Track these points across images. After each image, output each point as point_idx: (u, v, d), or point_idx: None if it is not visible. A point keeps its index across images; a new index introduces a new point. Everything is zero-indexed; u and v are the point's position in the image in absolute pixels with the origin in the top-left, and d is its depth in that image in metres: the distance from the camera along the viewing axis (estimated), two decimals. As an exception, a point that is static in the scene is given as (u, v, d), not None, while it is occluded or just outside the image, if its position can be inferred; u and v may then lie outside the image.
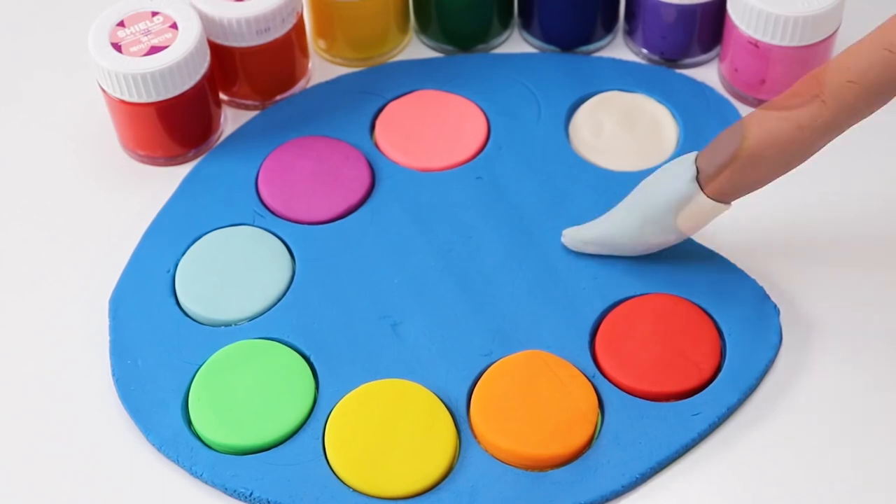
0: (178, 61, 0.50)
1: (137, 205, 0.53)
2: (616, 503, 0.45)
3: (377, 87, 0.56)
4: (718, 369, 0.47)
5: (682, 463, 0.45)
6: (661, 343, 0.47)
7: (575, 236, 0.50)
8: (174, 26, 0.51)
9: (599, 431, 0.46)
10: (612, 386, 0.47)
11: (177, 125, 0.52)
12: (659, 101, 0.55)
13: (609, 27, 0.58)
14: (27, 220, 0.53)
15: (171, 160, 0.54)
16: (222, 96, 0.56)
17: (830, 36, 0.53)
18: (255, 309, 0.49)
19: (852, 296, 0.49)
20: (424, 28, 0.58)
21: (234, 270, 0.50)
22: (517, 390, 0.46)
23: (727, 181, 0.45)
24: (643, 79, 0.56)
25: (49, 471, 0.46)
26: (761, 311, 0.48)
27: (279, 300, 0.50)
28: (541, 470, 0.45)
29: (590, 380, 0.47)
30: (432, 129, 0.54)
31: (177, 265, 0.51)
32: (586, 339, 0.48)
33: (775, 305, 0.49)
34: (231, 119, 0.56)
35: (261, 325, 0.49)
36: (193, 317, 0.49)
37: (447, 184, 0.53)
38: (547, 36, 0.57)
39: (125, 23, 0.51)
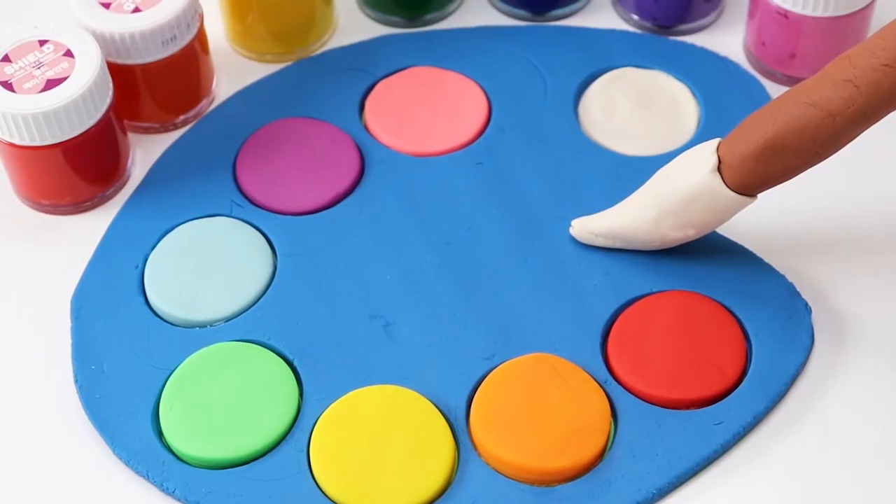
0: (83, 92, 0.48)
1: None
2: (631, 522, 0.44)
3: (367, 63, 0.56)
4: (743, 374, 0.46)
5: (703, 477, 0.44)
6: (681, 345, 0.47)
7: (584, 227, 0.49)
8: (69, 54, 0.49)
9: (612, 442, 0.45)
10: (626, 392, 0.46)
11: (87, 164, 0.51)
12: (678, 79, 0.55)
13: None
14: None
15: (79, 206, 0.51)
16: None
17: (868, 5, 0.52)
18: (233, 308, 0.49)
19: (891, 293, 0.48)
20: None
21: (210, 266, 0.50)
22: (522, 397, 0.45)
23: (751, 172, 0.44)
24: (660, 53, 0.55)
25: (6, 488, 0.45)
26: (791, 309, 0.48)
27: (259, 299, 0.49)
28: (548, 485, 0.44)
29: (602, 385, 0.46)
30: (427, 109, 0.54)
31: (146, 260, 0.50)
32: (598, 340, 0.47)
33: (806, 304, 0.48)
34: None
35: (239, 325, 0.48)
36: (164, 317, 0.49)
37: (444, 170, 0.52)
38: None
39: (10, 57, 0.49)
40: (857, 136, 0.43)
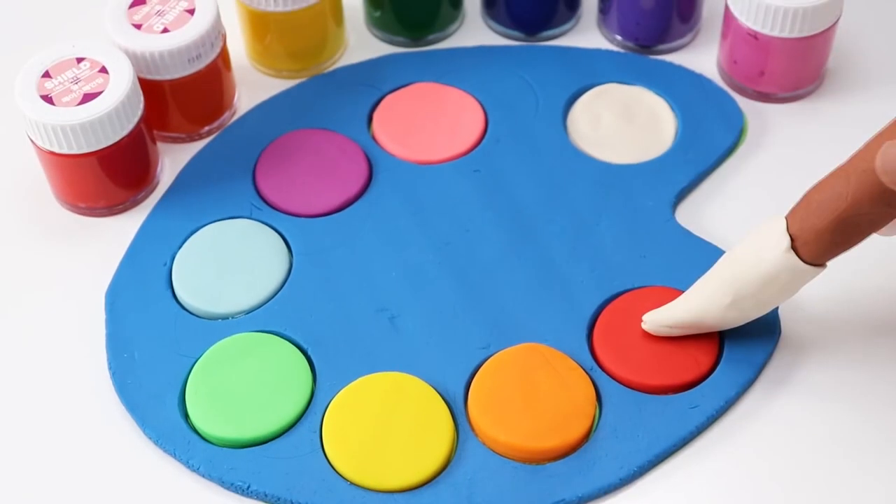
0: (117, 105, 0.49)
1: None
2: (614, 496, 0.45)
3: (374, 79, 0.56)
4: (717, 362, 0.47)
5: (680, 456, 0.45)
6: (660, 336, 0.47)
7: (656, 321, 0.47)
8: (103, 70, 0.49)
9: (597, 424, 0.46)
10: (609, 379, 0.47)
11: (120, 171, 0.51)
12: (657, 94, 0.55)
13: (572, 6, 0.58)
14: (25, 209, 0.53)
15: (113, 209, 0.52)
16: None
17: (830, 27, 0.53)
18: (253, 302, 0.49)
19: (852, 290, 0.49)
20: (376, 19, 0.58)
21: (232, 263, 0.50)
22: (515, 383, 0.46)
23: (830, 244, 0.42)
24: (641, 71, 0.56)
25: (45, 465, 0.46)
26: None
27: (276, 293, 0.50)
28: (538, 463, 0.45)
29: (588, 373, 0.47)
30: (430, 121, 0.54)
31: (173, 258, 0.51)
32: (584, 332, 0.48)
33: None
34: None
35: (258, 317, 0.49)
36: (190, 310, 0.49)
37: (445, 177, 0.53)
38: (512, 19, 0.57)
39: (50, 73, 0.49)
40: None
